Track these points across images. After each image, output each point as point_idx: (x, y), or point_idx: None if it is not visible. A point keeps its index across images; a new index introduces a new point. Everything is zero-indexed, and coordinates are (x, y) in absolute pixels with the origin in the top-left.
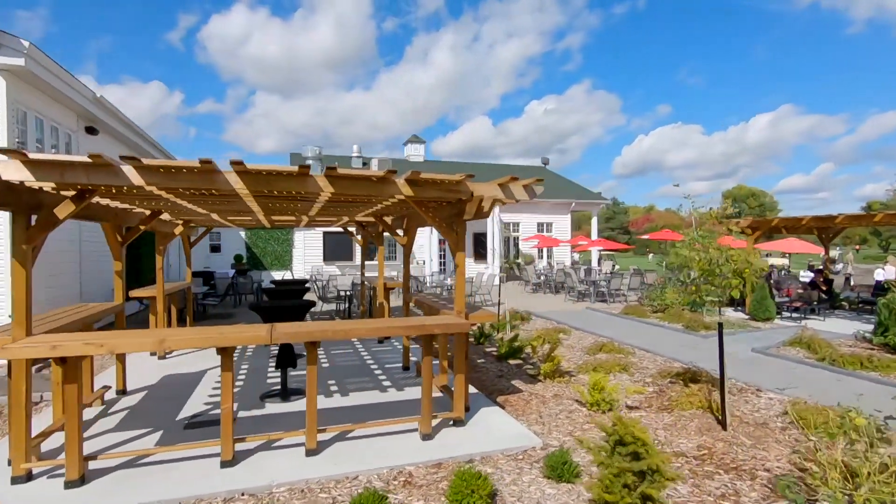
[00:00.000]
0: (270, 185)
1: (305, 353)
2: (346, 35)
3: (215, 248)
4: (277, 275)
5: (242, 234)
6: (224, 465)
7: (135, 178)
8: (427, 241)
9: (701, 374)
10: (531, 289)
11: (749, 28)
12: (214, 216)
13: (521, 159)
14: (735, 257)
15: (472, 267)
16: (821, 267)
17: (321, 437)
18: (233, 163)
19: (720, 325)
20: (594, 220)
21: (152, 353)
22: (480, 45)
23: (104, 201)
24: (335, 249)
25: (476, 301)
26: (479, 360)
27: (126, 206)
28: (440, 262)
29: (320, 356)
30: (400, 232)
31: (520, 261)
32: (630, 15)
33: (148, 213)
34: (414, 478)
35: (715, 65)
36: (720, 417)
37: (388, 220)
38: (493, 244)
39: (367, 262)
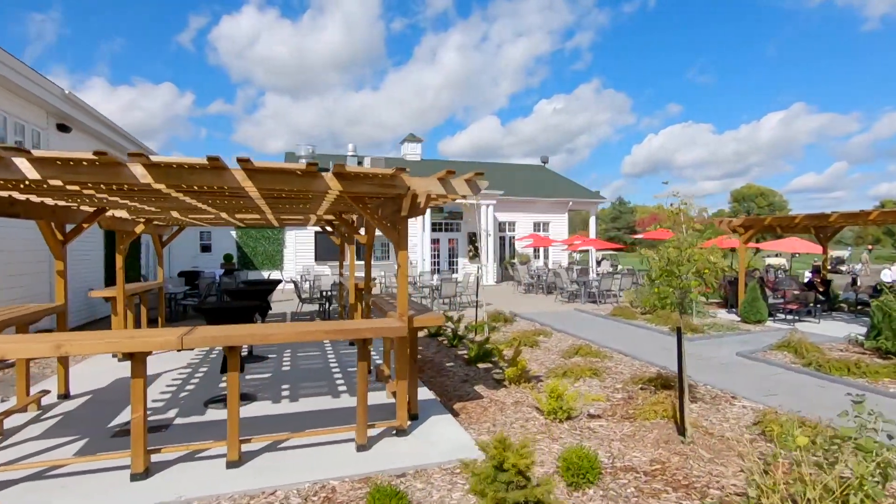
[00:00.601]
0: (183, 179)
1: (263, 357)
2: (354, 36)
3: (206, 248)
4: (269, 275)
5: (233, 233)
6: (134, 477)
7: (29, 171)
8: (420, 240)
9: (674, 380)
10: (523, 289)
11: (761, 26)
12: (175, 214)
13: (529, 159)
14: (696, 257)
15: (467, 267)
16: (818, 267)
17: (249, 447)
18: (132, 155)
19: (679, 329)
20: (592, 220)
21: (113, 355)
22: (489, 44)
23: (35, 198)
24: (328, 249)
25: (462, 301)
26: (448, 364)
27: (66, 203)
28: (433, 262)
29: (284, 358)
30: (362, 231)
31: (515, 261)
32: (640, 13)
33: (91, 210)
34: (336, 493)
35: (726, 63)
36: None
37: (354, 218)
38: (487, 244)
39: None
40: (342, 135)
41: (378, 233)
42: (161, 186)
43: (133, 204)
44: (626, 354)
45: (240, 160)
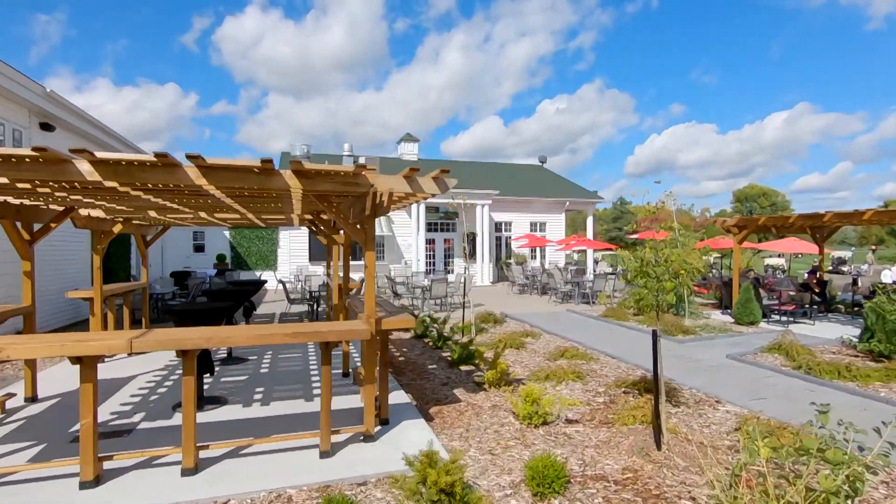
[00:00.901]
0: (134, 177)
1: (243, 358)
2: (357, 36)
3: (199, 248)
4: (261, 275)
5: (227, 233)
6: (83, 486)
7: None
8: (414, 240)
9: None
10: (518, 290)
11: (765, 25)
12: (153, 213)
13: (532, 159)
14: (673, 258)
15: (462, 267)
16: (816, 267)
17: (209, 453)
18: (75, 151)
19: (654, 332)
20: (590, 220)
21: None
22: (492, 44)
23: None
24: (322, 249)
25: (454, 302)
26: (430, 366)
27: (31, 202)
28: (428, 263)
29: (265, 360)
30: (342, 232)
31: (511, 261)
32: (643, 13)
33: (60, 209)
34: (292, 503)
35: (730, 63)
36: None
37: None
38: (482, 244)
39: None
40: (346, 135)
41: (377, 232)
42: (114, 184)
43: (101, 203)
44: (612, 357)
45: (190, 156)
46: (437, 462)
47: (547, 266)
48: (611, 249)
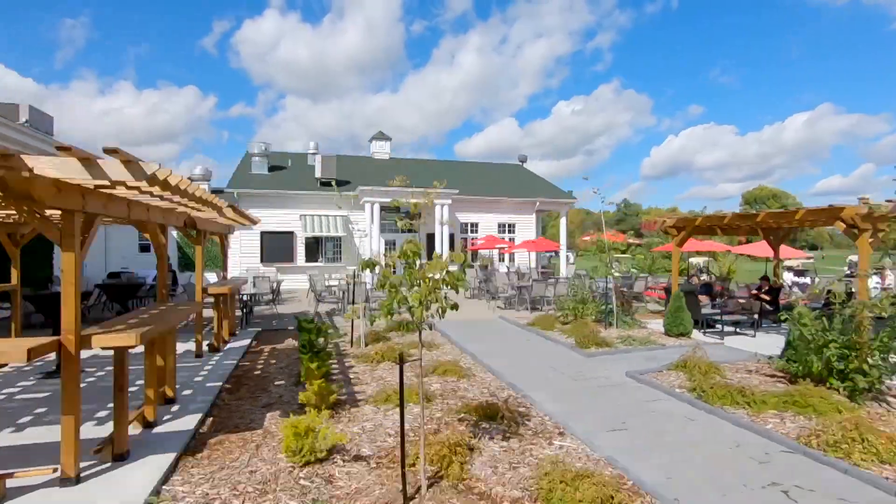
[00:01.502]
0: None
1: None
2: (374, 39)
3: (144, 248)
4: (211, 276)
5: (174, 234)
6: None
7: None
8: (368, 241)
9: (504, 410)
10: (469, 294)
11: (786, 25)
12: None
13: (547, 161)
14: (434, 264)
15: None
16: (795, 271)
17: None
18: None
19: (400, 355)
20: (563, 221)
21: None
22: (508, 46)
23: None
24: (274, 251)
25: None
26: (278, 382)
27: None
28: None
29: (101, 372)
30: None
31: (476, 263)
32: (662, 13)
33: None
34: None
35: (750, 63)
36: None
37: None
38: (443, 245)
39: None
40: (362, 137)
41: (332, 233)
42: None
43: None
44: (494, 373)
45: None
46: None
47: (514, 268)
48: (556, 251)
